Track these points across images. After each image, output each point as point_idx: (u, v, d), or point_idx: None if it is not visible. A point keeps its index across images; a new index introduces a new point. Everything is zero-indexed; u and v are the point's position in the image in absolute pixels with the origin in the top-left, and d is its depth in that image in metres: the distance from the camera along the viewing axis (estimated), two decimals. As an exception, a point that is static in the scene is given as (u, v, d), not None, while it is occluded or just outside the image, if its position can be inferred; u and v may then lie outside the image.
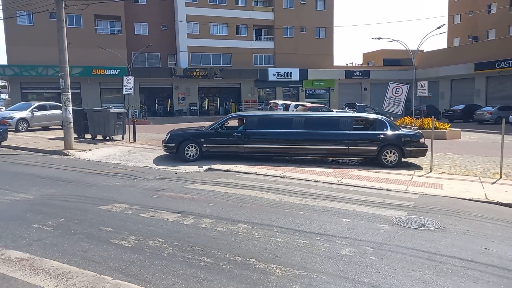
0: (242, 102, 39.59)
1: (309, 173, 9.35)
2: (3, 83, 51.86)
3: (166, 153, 11.15)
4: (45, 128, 19.86)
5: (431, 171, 9.85)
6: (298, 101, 35.23)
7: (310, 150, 10.81)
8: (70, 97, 13.23)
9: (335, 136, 10.53)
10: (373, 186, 8.04)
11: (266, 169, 9.77)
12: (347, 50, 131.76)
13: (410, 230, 5.05)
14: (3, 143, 13.44)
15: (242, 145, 10.62)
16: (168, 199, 6.43)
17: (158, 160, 10.93)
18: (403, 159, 10.61)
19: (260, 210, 5.86)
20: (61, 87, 13.09)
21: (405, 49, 30.06)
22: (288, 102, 31.15)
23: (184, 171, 9.48)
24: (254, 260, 3.84)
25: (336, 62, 46.40)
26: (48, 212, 5.39)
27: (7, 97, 46.67)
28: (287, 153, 10.92)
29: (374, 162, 10.68)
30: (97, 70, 33.27)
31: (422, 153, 10.74)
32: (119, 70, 33.19)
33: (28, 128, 18.77)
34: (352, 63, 55.34)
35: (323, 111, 23.69)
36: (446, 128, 18.67)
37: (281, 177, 9.00)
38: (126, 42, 35.78)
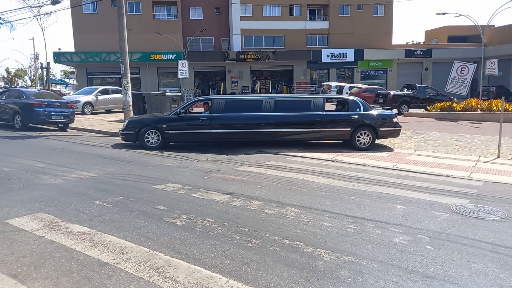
0: (294, 84, 39.09)
1: (362, 157, 9.04)
2: (71, 69, 55.77)
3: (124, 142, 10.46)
4: (108, 111, 21.11)
5: (498, 157, 9.07)
6: (352, 83, 34.07)
7: (281, 134, 10.26)
8: (130, 81, 13.86)
9: (307, 118, 10.07)
10: (432, 172, 7.58)
11: (316, 152, 9.59)
12: (408, 28, 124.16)
13: (472, 220, 4.69)
14: (70, 125, 14.49)
15: (208, 131, 9.95)
16: (218, 180, 6.55)
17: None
18: (377, 141, 10.24)
19: (309, 194, 5.77)
20: (121, 72, 13.74)
21: (473, 24, 27.68)
22: (342, 84, 30.26)
23: (235, 153, 9.59)
24: (302, 243, 3.80)
25: (395, 41, 44.02)
26: (108, 190, 5.73)
27: (75, 82, 50.20)
28: (256, 137, 10.31)
29: (348, 144, 10.27)
30: (155, 55, 34.54)
31: (396, 133, 10.40)
32: (175, 55, 34.18)
33: (93, 111, 20.07)
34: (412, 41, 52.16)
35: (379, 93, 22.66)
36: (518, 111, 17.03)
37: (333, 161, 8.79)
38: (182, 27, 36.65)
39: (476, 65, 18.75)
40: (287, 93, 37.91)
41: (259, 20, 38.77)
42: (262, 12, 39.03)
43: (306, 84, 39.07)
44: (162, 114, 11.17)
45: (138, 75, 35.18)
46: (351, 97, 10.84)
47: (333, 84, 30.46)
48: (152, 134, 10.00)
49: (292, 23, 39.49)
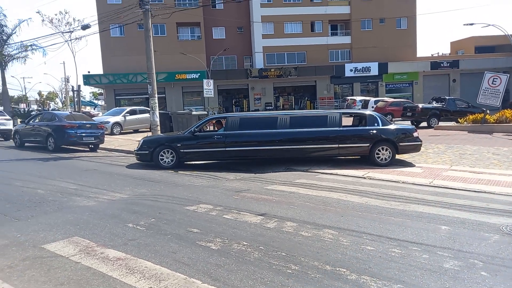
0: (318, 99, 38.92)
1: (396, 174, 8.73)
2: (99, 91, 57.66)
3: (139, 161, 10.49)
4: (136, 131, 21.51)
5: (543, 172, 8.54)
6: (377, 97, 33.56)
7: (298, 151, 9.99)
8: (157, 101, 14.10)
9: (323, 134, 9.83)
10: (473, 189, 7.19)
11: (346, 169, 9.35)
12: (432, 40, 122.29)
13: (526, 242, 4.35)
14: (100, 145, 14.80)
15: (223, 149, 9.82)
16: (249, 200, 6.43)
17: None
18: (397, 156, 9.92)
19: (345, 214, 5.55)
20: (149, 92, 14.01)
21: (501, 34, 26.87)
22: (367, 98, 29.85)
23: (264, 172, 9.46)
24: (344, 270, 3.59)
25: (420, 53, 43.36)
26: (140, 212, 5.70)
27: (103, 103, 51.78)
28: (272, 155, 10.12)
29: (367, 160, 10.01)
30: (179, 75, 35.28)
31: (417, 148, 10.09)
32: (199, 74, 34.80)
33: (121, 131, 20.49)
34: (438, 53, 51.20)
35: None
36: (558, 121, 16.20)
37: (365, 178, 8.52)
38: (205, 46, 37.38)
39: (508, 75, 18.07)
40: (310, 108, 37.73)
41: (280, 37, 39.11)
42: (284, 29, 39.38)
43: (330, 99, 38.82)
44: (176, 133, 11.20)
45: (164, 95, 35.92)
46: (368, 112, 10.63)
47: (358, 98, 30.06)
48: (166, 153, 9.96)
49: (313, 39, 39.61)
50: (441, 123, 19.63)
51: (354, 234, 4.65)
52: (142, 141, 10.47)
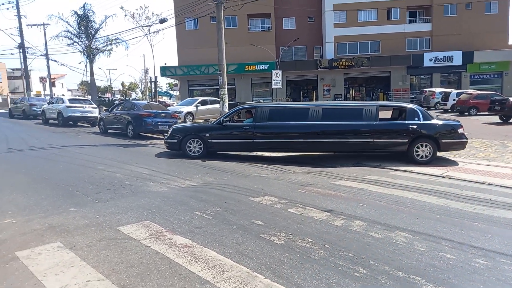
0: (392, 91, 36.85)
1: (481, 174, 7.89)
2: (175, 82, 60.69)
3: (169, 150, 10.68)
4: (206, 120, 22.21)
5: None
6: (460, 89, 30.85)
7: (329, 144, 9.42)
8: (227, 92, 14.37)
9: (357, 127, 9.16)
10: None
11: (422, 167, 8.68)
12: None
13: None
14: (173, 134, 15.51)
15: (251, 140, 9.66)
16: (315, 195, 6.24)
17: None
18: (438, 154, 9.06)
19: (420, 216, 5.12)
20: (219, 83, 14.33)
21: None
22: (448, 90, 27.61)
23: (332, 167, 9.17)
24: (419, 278, 3.28)
25: (512, 40, 38.84)
26: (207, 200, 5.82)
27: (177, 93, 54.44)
28: (301, 148, 9.71)
29: (404, 158, 9.23)
30: (249, 66, 35.67)
31: (462, 146, 9.14)
32: (268, 65, 34.86)
33: (193, 120, 21.31)
34: (535, 39, 45.40)
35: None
36: None
37: (444, 177, 7.84)
38: (275, 37, 37.28)
39: None
40: (383, 100, 35.87)
41: (353, 26, 37.59)
42: (357, 17, 37.77)
43: (405, 91, 36.56)
44: (205, 123, 11.23)
45: (233, 86, 36.67)
46: (409, 105, 9.73)
47: (437, 90, 27.93)
48: (194, 142, 10.05)
49: (389, 27, 37.46)
50: (537, 119, 17.43)
51: (430, 239, 4.25)
52: (171, 129, 10.53)
